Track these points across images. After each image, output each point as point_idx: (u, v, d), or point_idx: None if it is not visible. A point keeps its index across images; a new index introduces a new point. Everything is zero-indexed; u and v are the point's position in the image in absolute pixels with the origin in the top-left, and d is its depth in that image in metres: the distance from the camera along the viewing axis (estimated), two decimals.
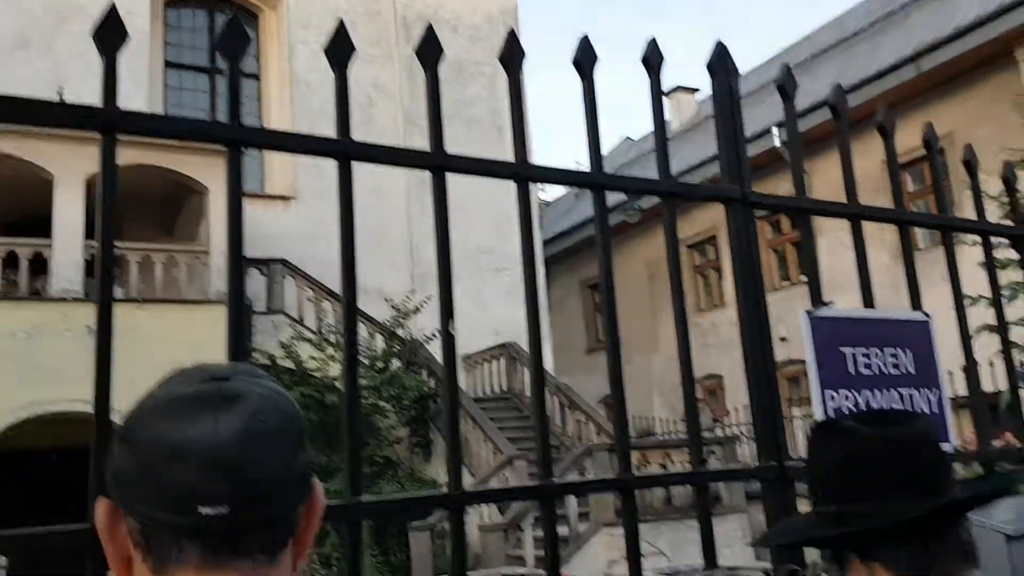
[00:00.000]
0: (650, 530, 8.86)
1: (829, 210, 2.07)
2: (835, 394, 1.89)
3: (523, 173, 1.64)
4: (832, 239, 13.70)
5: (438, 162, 1.53)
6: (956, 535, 1.07)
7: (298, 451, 0.82)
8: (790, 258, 16.91)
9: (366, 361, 12.44)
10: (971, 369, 2.22)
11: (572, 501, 9.83)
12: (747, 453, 11.86)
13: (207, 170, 11.35)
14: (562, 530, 9.57)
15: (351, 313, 1.44)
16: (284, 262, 13.64)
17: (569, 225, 21.11)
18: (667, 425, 15.10)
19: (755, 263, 1.92)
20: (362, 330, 13.44)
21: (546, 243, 19.75)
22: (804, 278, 1.96)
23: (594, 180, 1.73)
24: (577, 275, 21.18)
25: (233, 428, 0.77)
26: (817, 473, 1.15)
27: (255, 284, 13.57)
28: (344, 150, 1.46)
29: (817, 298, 1.97)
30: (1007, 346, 2.36)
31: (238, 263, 1.36)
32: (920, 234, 13.08)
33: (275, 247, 13.55)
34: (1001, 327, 2.37)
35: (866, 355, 1.95)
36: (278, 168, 15.59)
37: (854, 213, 2.03)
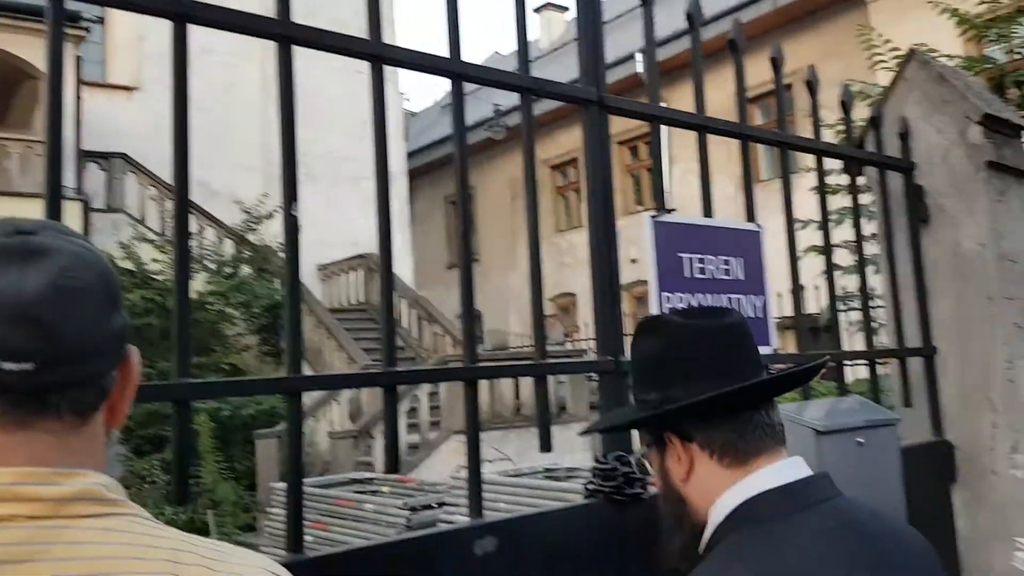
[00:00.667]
0: (499, 437, 9.16)
1: (678, 119, 2.13)
2: (671, 296, 1.98)
3: (376, 52, 1.58)
4: (683, 167, 14.19)
5: (283, 31, 1.45)
6: (765, 417, 1.15)
7: (111, 312, 0.79)
8: (645, 183, 17.44)
9: (213, 266, 11.98)
10: (796, 286, 2.37)
11: (424, 409, 9.99)
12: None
13: (43, 52, 10.34)
14: (413, 437, 9.74)
15: (182, 169, 1.36)
16: (125, 157, 12.77)
17: (434, 139, 20.84)
18: (522, 340, 15.48)
19: (607, 166, 1.96)
20: (210, 234, 12.87)
21: (411, 155, 19.43)
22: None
23: (452, 67, 1.69)
24: (441, 191, 21.02)
25: (39, 283, 0.73)
26: (639, 363, 1.22)
27: (94, 180, 12.67)
28: (177, 9, 1.35)
29: (661, 205, 2.04)
30: (830, 266, 2.53)
31: (56, 151, 1.25)
32: (763, 165, 13.80)
33: (117, 141, 12.64)
34: (827, 248, 2.55)
35: (701, 261, 2.05)
36: (121, 56, 14.43)
37: (700, 124, 2.10)
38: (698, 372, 1.14)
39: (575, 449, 10.46)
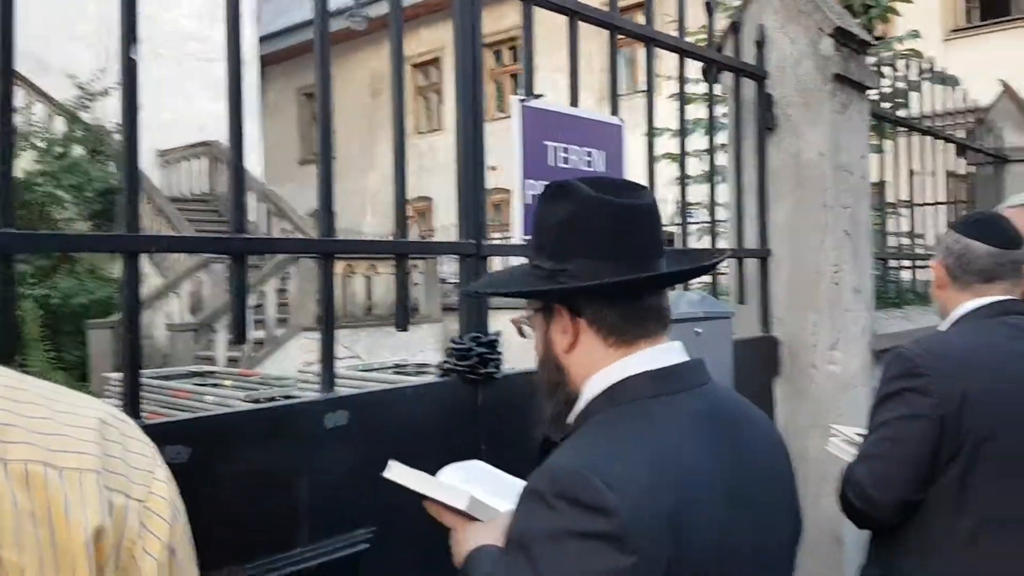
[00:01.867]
0: (349, 335, 9.09)
1: (551, 2, 2.09)
2: (535, 183, 1.99)
3: None
4: (544, 78, 14.11)
5: None
6: (657, 302, 1.15)
7: None
8: (507, 90, 17.32)
9: (42, 144, 11.00)
10: (650, 189, 2.44)
11: (271, 304, 9.74)
12: (446, 270, 12.46)
13: None
14: (258, 333, 9.50)
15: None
16: None
17: (290, 24, 19.70)
18: None
19: (477, 58, 1.92)
20: (40, 111, 11.76)
21: (263, 41, 18.32)
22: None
23: None
24: (295, 82, 20.04)
25: None
26: (541, 228, 1.18)
27: None
28: None
29: (530, 89, 2.02)
30: (683, 172, 2.61)
31: None
32: (622, 78, 13.98)
33: None
34: (681, 153, 2.62)
35: (565, 151, 2.06)
36: None
37: (571, 9, 2.08)
38: (602, 250, 1.11)
39: (425, 348, 10.59)
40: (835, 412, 2.55)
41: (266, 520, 1.49)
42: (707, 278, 2.67)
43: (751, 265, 2.78)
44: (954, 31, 14.16)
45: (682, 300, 2.31)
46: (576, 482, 0.99)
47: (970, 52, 12.08)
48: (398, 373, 7.08)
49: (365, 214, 17.52)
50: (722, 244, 2.83)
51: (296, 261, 9.76)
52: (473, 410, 1.83)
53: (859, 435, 1.94)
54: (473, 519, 1.27)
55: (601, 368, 1.13)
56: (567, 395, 1.17)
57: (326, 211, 1.67)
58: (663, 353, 1.13)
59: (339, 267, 9.78)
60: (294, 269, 9.79)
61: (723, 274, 2.83)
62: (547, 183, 1.21)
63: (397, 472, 1.35)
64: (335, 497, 1.59)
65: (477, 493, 1.30)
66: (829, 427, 2.15)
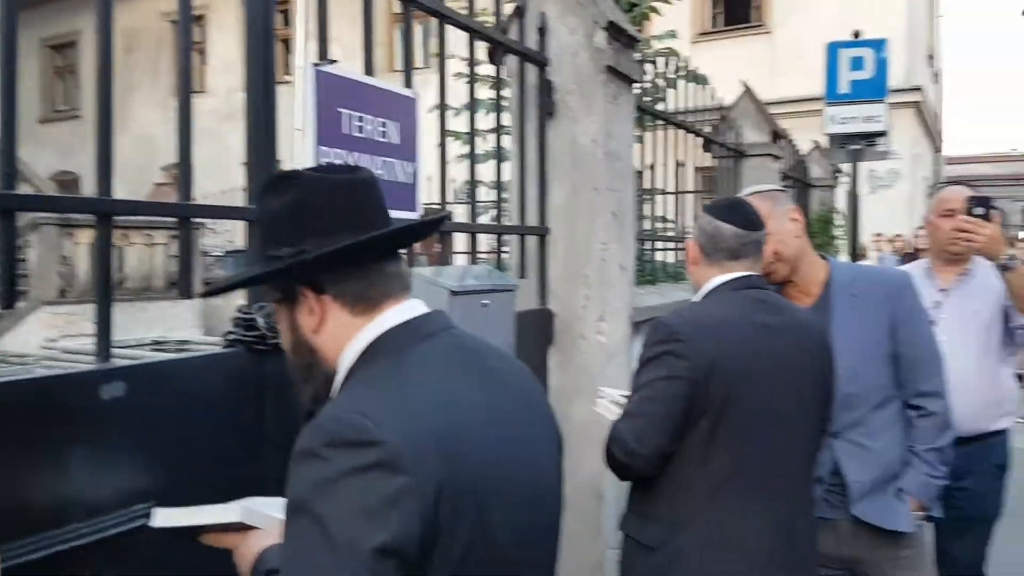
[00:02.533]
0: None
1: None
2: (328, 151, 1.97)
3: None
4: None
5: None
6: (396, 267, 1.22)
7: None
8: (280, 55, 16.61)
9: None
10: (443, 165, 2.49)
11: None
12: (207, 242, 11.91)
13: None
14: None
15: None
16: None
17: None
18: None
19: (268, 19, 1.87)
20: None
21: None
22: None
23: None
24: (37, 32, 17.95)
25: None
26: (270, 219, 1.20)
27: None
28: None
29: (324, 54, 2.00)
30: (472, 151, 2.70)
31: None
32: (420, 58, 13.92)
33: None
34: (471, 130, 2.71)
35: (360, 119, 2.06)
36: None
37: None
38: (334, 225, 1.16)
39: (185, 325, 10.00)
40: (601, 378, 2.76)
41: (38, 497, 1.39)
42: (494, 254, 2.79)
43: (532, 242, 2.93)
44: (701, 34, 15.52)
45: (470, 274, 2.40)
46: (342, 427, 1.03)
47: (715, 54, 13.32)
48: (157, 350, 6.66)
49: (115, 181, 16.09)
50: (506, 223, 2.96)
51: (37, 228, 8.82)
52: (259, 382, 1.80)
53: (623, 396, 2.14)
54: (252, 529, 1.27)
55: (352, 337, 1.18)
56: (324, 374, 1.21)
57: (104, 168, 1.56)
58: (405, 310, 1.20)
59: (84, 236, 8.96)
60: (35, 237, 8.85)
61: (505, 252, 2.97)
62: (271, 176, 1.23)
63: (164, 517, 1.31)
64: (113, 472, 1.51)
65: (252, 505, 1.30)
66: (597, 390, 2.35)
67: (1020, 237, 29.94)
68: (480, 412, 1.14)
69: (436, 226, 1.45)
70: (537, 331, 2.85)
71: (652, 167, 4.34)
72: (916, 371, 2.42)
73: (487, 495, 1.09)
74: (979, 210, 2.83)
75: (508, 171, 3.05)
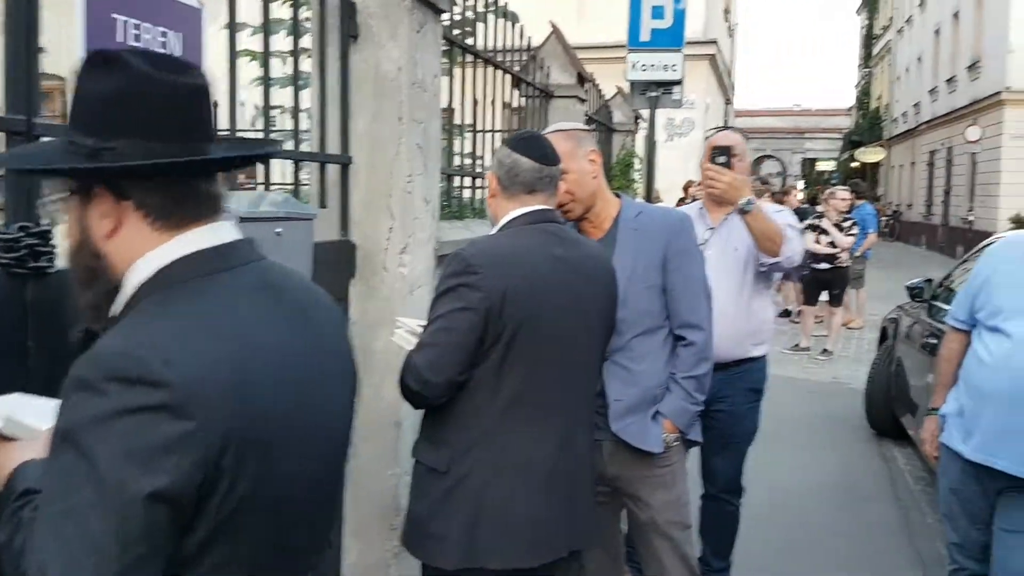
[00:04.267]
0: None
1: None
2: None
3: None
4: None
5: None
6: (208, 187, 1.14)
7: None
8: None
9: None
10: (233, 88, 2.34)
11: None
12: None
13: None
14: None
15: None
16: None
17: None
18: None
19: None
20: None
21: None
22: None
23: None
24: None
25: None
26: (85, 101, 1.08)
27: None
28: None
29: None
30: (267, 74, 2.57)
31: None
32: None
33: None
34: (265, 53, 2.57)
35: (137, 27, 1.90)
36: None
37: None
38: (153, 129, 1.06)
39: None
40: (403, 310, 2.77)
41: None
42: (291, 185, 2.69)
43: (333, 171, 2.86)
44: None
45: (264, 200, 2.31)
46: (127, 362, 0.96)
47: None
48: None
49: None
50: (305, 149, 2.86)
51: None
52: (21, 307, 1.65)
53: (421, 326, 2.16)
54: (11, 441, 1.17)
55: (146, 252, 1.09)
56: (107, 284, 1.12)
57: None
58: (213, 232, 1.13)
59: None
60: None
61: (305, 185, 2.87)
62: (91, 51, 1.10)
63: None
64: None
65: (15, 415, 1.20)
66: (396, 319, 2.36)
67: (799, 187, 32.73)
68: (276, 355, 1.09)
69: (261, 159, 1.37)
70: (338, 262, 2.80)
71: (462, 103, 4.34)
72: (682, 303, 2.61)
73: (274, 444, 1.06)
74: (721, 159, 3.12)
75: (307, 97, 2.94)
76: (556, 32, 5.60)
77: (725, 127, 4.02)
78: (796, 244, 3.27)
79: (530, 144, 2.23)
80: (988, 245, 3.89)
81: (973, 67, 24.93)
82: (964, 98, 25.62)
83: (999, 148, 22.04)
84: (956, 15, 27.46)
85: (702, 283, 2.70)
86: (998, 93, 22.05)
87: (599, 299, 2.24)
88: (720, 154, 3.10)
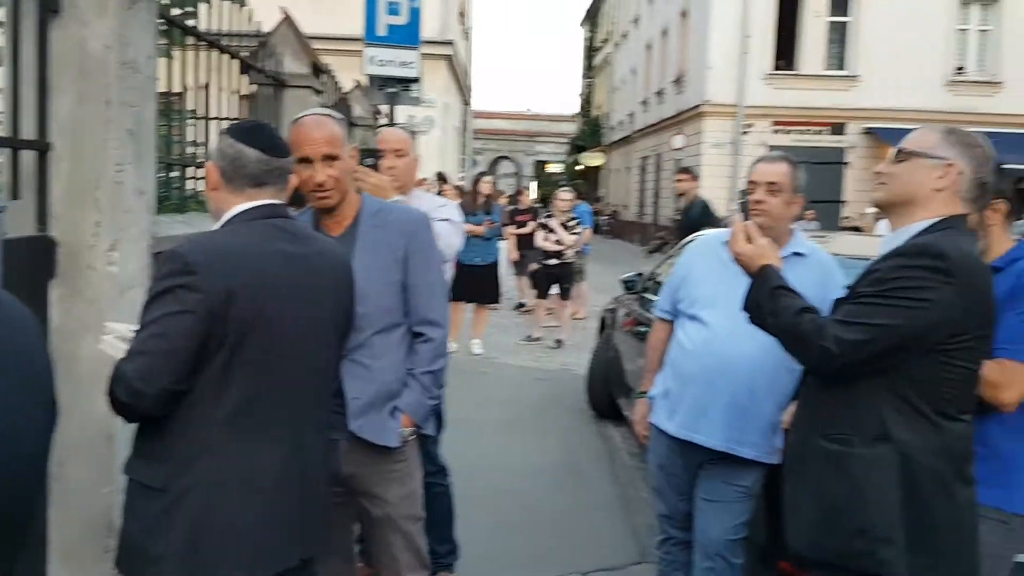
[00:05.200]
0: None
1: None
2: None
3: None
4: None
5: None
6: None
7: None
8: None
9: None
10: None
11: None
12: None
13: None
14: None
15: None
16: None
17: None
18: None
19: None
20: None
21: None
22: None
23: None
24: None
25: None
26: None
27: None
28: None
29: None
30: None
31: None
32: None
33: None
34: None
35: None
36: None
37: None
38: None
39: None
40: (112, 313, 2.54)
41: None
42: None
43: (28, 159, 2.55)
44: None
45: None
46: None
47: None
48: None
49: None
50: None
51: None
52: None
53: (133, 331, 1.99)
54: None
55: None
56: None
57: None
58: None
59: None
60: None
61: None
62: None
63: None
64: None
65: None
66: (103, 325, 2.14)
67: (531, 187, 34.31)
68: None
69: None
70: (33, 261, 2.51)
71: (184, 88, 4.05)
72: (421, 300, 2.66)
73: None
74: (369, 160, 3.37)
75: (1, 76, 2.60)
76: (287, 19, 5.41)
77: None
78: (453, 239, 3.51)
79: (256, 134, 2.11)
80: (689, 243, 4.33)
81: (678, 81, 27.67)
82: (671, 109, 28.37)
83: (700, 155, 24.67)
84: (665, 32, 30.30)
85: (440, 280, 2.76)
86: (699, 106, 24.66)
87: (333, 297, 2.19)
88: (367, 156, 3.38)
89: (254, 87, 4.86)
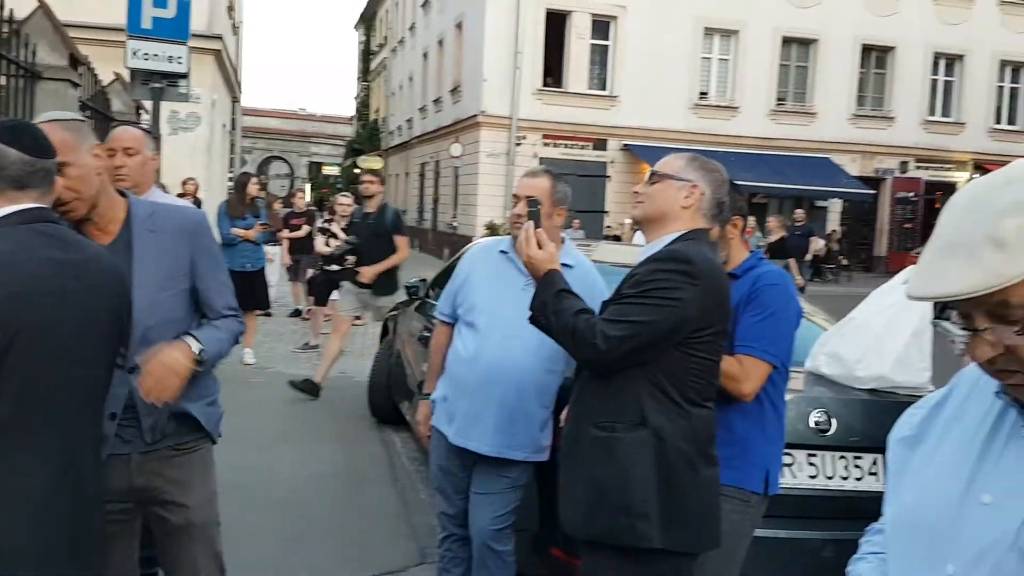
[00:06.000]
0: None
1: None
2: None
3: None
4: None
5: None
6: None
7: None
8: None
9: None
10: None
11: None
12: None
13: None
14: None
15: None
16: None
17: None
18: None
19: None
20: None
21: None
22: None
23: None
24: None
25: None
26: None
27: None
28: None
29: None
30: None
31: None
32: None
33: None
34: None
35: None
36: None
37: None
38: None
39: None
40: None
41: None
42: None
43: None
44: None
45: None
46: None
47: None
48: None
49: None
50: None
51: None
52: None
53: None
54: None
55: None
56: None
57: None
58: None
59: None
60: None
61: None
62: None
63: None
64: None
65: None
66: None
67: (306, 189, 33.61)
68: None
69: None
70: None
71: None
72: (217, 298, 2.61)
73: None
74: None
75: None
76: (44, 7, 4.99)
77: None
78: None
79: (17, 133, 1.99)
80: (468, 248, 4.52)
81: (455, 91, 28.28)
82: (449, 118, 28.92)
83: (477, 164, 25.37)
84: (441, 43, 30.83)
85: (228, 277, 2.72)
86: (475, 116, 25.36)
87: (105, 305, 2.10)
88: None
89: (2, 79, 4.44)
